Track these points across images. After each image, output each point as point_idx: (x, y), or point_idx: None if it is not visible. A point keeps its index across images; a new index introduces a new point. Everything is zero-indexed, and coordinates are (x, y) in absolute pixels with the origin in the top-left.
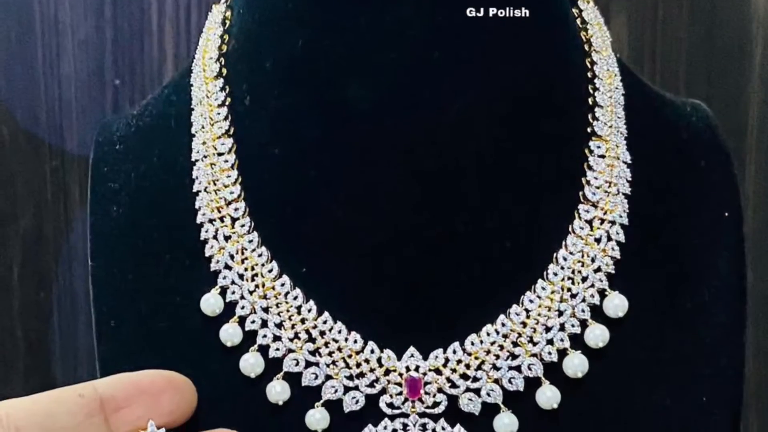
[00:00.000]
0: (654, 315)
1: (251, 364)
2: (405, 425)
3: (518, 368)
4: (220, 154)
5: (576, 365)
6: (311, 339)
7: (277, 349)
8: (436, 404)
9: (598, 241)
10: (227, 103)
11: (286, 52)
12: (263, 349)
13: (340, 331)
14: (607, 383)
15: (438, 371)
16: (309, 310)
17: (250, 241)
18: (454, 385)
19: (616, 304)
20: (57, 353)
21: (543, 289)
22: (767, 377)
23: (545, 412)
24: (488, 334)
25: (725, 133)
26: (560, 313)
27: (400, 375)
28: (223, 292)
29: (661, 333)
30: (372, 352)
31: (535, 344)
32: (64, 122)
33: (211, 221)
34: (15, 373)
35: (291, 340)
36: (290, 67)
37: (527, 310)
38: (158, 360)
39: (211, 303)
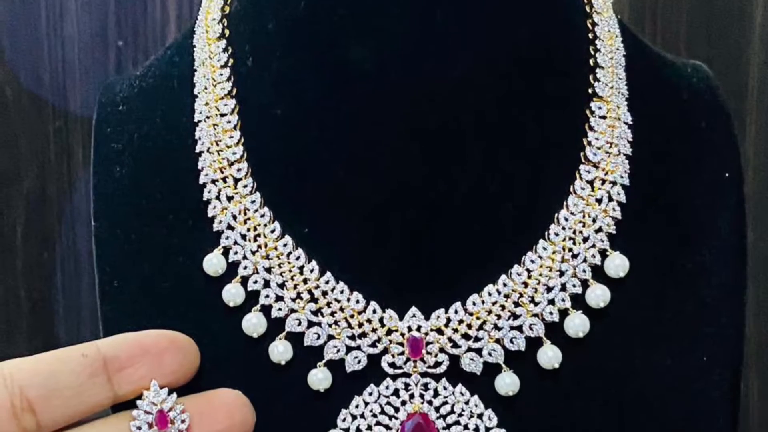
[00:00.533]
0: (655, 275)
1: (254, 324)
2: (407, 385)
3: (519, 328)
4: (222, 115)
5: (577, 325)
6: (313, 299)
7: (280, 309)
8: (437, 364)
9: (599, 201)
10: (230, 65)
11: (288, 13)
12: (265, 310)
13: (342, 292)
14: (608, 343)
15: (440, 331)
16: (311, 271)
17: (253, 202)
18: (455, 345)
19: (617, 264)
20: (60, 313)
21: (544, 249)
22: None
23: (547, 372)
24: (489, 294)
25: (725, 94)
26: (561, 273)
27: (402, 335)
28: (226, 252)
29: (661, 293)
30: (374, 312)
31: (536, 304)
32: (67, 83)
33: (213, 182)
34: (18, 333)
35: (293, 300)
36: (292, 28)
37: (528, 270)
38: (161, 320)
39: (213, 263)
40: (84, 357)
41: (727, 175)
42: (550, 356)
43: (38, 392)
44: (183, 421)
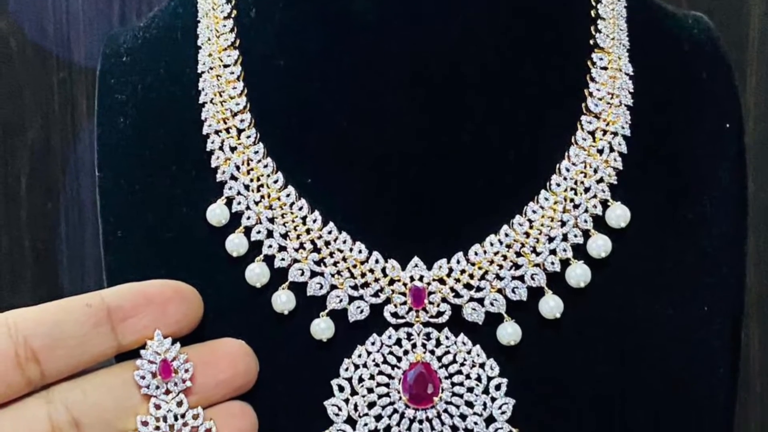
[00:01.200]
0: (656, 225)
1: (257, 274)
2: (409, 334)
3: (521, 278)
4: (225, 66)
5: (578, 275)
6: (316, 249)
7: (283, 259)
8: (440, 314)
9: (600, 152)
10: (233, 16)
11: None
12: (269, 260)
13: (344, 242)
14: (609, 293)
15: (442, 281)
16: (314, 221)
17: (256, 152)
18: (457, 295)
19: (619, 215)
20: (64, 263)
21: (546, 199)
22: None
23: (548, 322)
24: (491, 244)
25: (726, 45)
26: (563, 224)
27: (405, 285)
28: (229, 202)
29: (662, 243)
30: (376, 262)
31: (538, 254)
32: (71, 34)
33: (217, 132)
34: (23, 283)
35: (296, 250)
36: None
37: (530, 221)
38: (165, 270)
39: (216, 213)
40: (88, 307)
41: (727, 125)
42: (551, 306)
43: (42, 342)
44: (186, 371)
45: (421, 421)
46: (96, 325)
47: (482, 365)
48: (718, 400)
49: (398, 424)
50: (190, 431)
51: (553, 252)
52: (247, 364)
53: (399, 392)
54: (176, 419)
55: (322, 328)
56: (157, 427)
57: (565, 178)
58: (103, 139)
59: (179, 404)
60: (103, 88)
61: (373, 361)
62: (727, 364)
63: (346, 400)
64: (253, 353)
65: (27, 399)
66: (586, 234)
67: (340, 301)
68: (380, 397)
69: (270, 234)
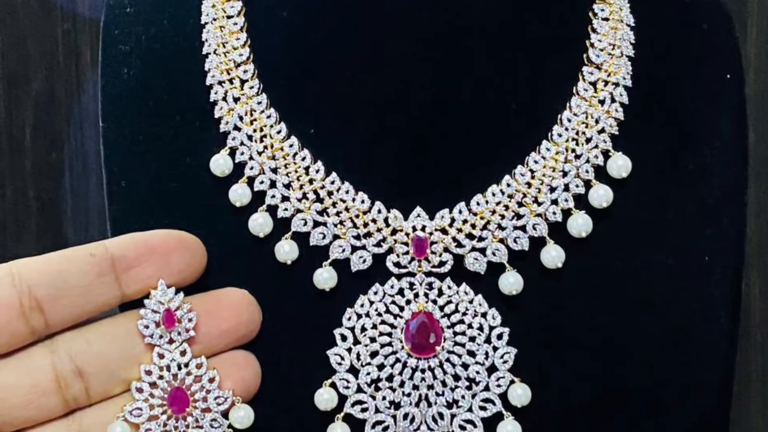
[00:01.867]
0: (657, 176)
1: (260, 224)
2: (411, 284)
3: (523, 228)
4: (229, 17)
5: (580, 225)
6: (319, 199)
7: (286, 209)
8: (442, 263)
9: (602, 102)
10: None
11: None
12: (272, 210)
13: (347, 192)
14: (610, 243)
15: (444, 231)
16: (317, 171)
17: (259, 103)
18: (459, 245)
19: (620, 165)
20: (68, 213)
21: (547, 150)
22: None
23: (550, 272)
24: (493, 195)
25: None
26: (565, 174)
27: (407, 234)
28: (232, 153)
29: (663, 193)
30: (379, 212)
31: (539, 204)
32: None
33: (220, 83)
34: (27, 233)
35: (299, 200)
36: None
37: (532, 171)
38: (168, 220)
39: (220, 164)
40: (92, 256)
41: (728, 76)
42: (553, 256)
43: (46, 291)
44: (190, 320)
45: (423, 371)
46: (100, 275)
47: (484, 315)
48: (719, 350)
49: (400, 373)
50: (193, 380)
51: (554, 202)
52: (251, 313)
53: (401, 341)
54: (179, 368)
55: (324, 277)
56: (161, 376)
57: (566, 129)
58: (107, 90)
59: (183, 353)
60: (107, 39)
61: (376, 310)
62: (727, 314)
63: (349, 350)
64: (256, 303)
65: (31, 348)
66: (587, 184)
67: (343, 251)
68: (383, 346)
69: (273, 184)
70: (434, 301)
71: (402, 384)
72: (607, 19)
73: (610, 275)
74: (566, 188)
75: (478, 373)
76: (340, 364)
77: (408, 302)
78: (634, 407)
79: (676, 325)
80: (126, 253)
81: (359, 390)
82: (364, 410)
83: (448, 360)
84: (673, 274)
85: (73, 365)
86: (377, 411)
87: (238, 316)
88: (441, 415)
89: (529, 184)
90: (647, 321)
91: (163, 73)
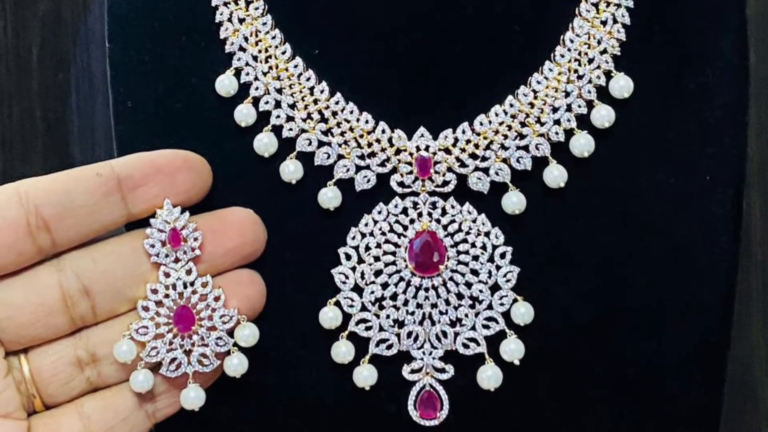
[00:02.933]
0: (658, 96)
1: (265, 143)
2: (415, 203)
3: (526, 148)
4: None
5: (582, 144)
6: (323, 119)
7: (290, 129)
8: (445, 183)
9: (604, 23)
10: None
11: None
12: (276, 130)
13: (351, 112)
14: (612, 162)
15: (447, 151)
16: (321, 91)
17: (264, 24)
18: (463, 165)
19: (622, 85)
20: (75, 133)
21: (550, 70)
22: None
23: (552, 191)
24: (496, 115)
25: None
26: (567, 94)
27: (411, 154)
28: (238, 73)
29: (665, 113)
30: (383, 132)
31: (542, 124)
32: None
33: (225, 4)
34: (34, 153)
35: (304, 120)
36: None
37: (535, 91)
38: (174, 139)
39: (225, 84)
40: (98, 176)
41: None
42: (555, 175)
43: (53, 211)
44: (195, 239)
45: (426, 289)
46: (106, 194)
47: (487, 234)
48: (720, 269)
49: (404, 292)
50: (199, 299)
51: (557, 122)
52: (255, 232)
53: (405, 260)
54: (185, 287)
55: (329, 197)
56: (167, 295)
57: (569, 50)
58: (113, 11)
59: (188, 272)
60: None
61: (380, 229)
62: (728, 233)
63: (353, 269)
64: (261, 222)
65: (38, 267)
66: (589, 104)
67: (347, 170)
68: (386, 265)
69: (278, 104)
70: (438, 221)
71: (406, 303)
72: None
73: (612, 195)
74: (569, 108)
75: (481, 291)
76: (344, 282)
77: (412, 221)
78: (636, 326)
79: (677, 243)
80: (132, 173)
81: (363, 309)
82: (368, 329)
83: (451, 279)
84: (675, 193)
85: (80, 284)
86: (381, 329)
87: (243, 235)
88: (444, 334)
89: (531, 105)
90: (648, 240)
91: None
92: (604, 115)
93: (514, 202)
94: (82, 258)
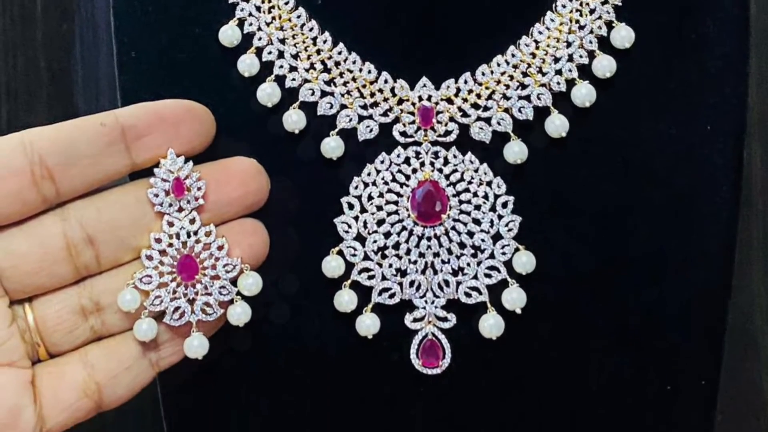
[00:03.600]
0: (660, 46)
1: (268, 93)
2: (417, 153)
3: (528, 98)
4: None
5: (584, 95)
6: (326, 69)
7: (293, 80)
8: (447, 133)
9: None
10: None
11: None
12: (280, 80)
13: (354, 62)
14: (614, 112)
15: (449, 101)
16: (324, 41)
17: None
18: (465, 114)
19: (623, 35)
20: (79, 83)
21: (552, 20)
22: None
23: (554, 141)
24: (498, 65)
25: None
26: (568, 44)
27: (413, 104)
28: (241, 24)
29: (666, 63)
30: (385, 81)
31: (544, 74)
32: None
33: None
34: (38, 103)
35: (307, 70)
36: None
37: (536, 41)
38: (177, 90)
39: (228, 34)
40: (102, 126)
41: None
42: (557, 125)
43: (57, 160)
44: (199, 189)
45: (429, 238)
46: (110, 144)
47: (489, 183)
48: (721, 217)
49: (407, 241)
50: (202, 248)
51: (558, 72)
52: (259, 182)
53: (407, 210)
54: (189, 236)
55: (332, 146)
56: (170, 244)
57: (570, 0)
58: None
59: (192, 221)
60: None
61: (382, 179)
62: (729, 182)
63: (356, 218)
64: (264, 171)
65: (42, 217)
66: (591, 55)
67: (350, 120)
68: (389, 214)
69: (281, 54)
70: (440, 170)
71: (408, 252)
72: None
73: (613, 144)
74: (570, 58)
75: (483, 240)
76: (347, 232)
77: (414, 171)
78: (637, 275)
79: (678, 192)
80: (136, 123)
81: (366, 258)
82: (370, 277)
83: (453, 228)
84: (676, 142)
85: (84, 233)
86: (384, 278)
87: (246, 184)
88: (447, 283)
89: (533, 55)
90: (650, 190)
91: None
92: (605, 66)
93: (516, 151)
94: (87, 207)
